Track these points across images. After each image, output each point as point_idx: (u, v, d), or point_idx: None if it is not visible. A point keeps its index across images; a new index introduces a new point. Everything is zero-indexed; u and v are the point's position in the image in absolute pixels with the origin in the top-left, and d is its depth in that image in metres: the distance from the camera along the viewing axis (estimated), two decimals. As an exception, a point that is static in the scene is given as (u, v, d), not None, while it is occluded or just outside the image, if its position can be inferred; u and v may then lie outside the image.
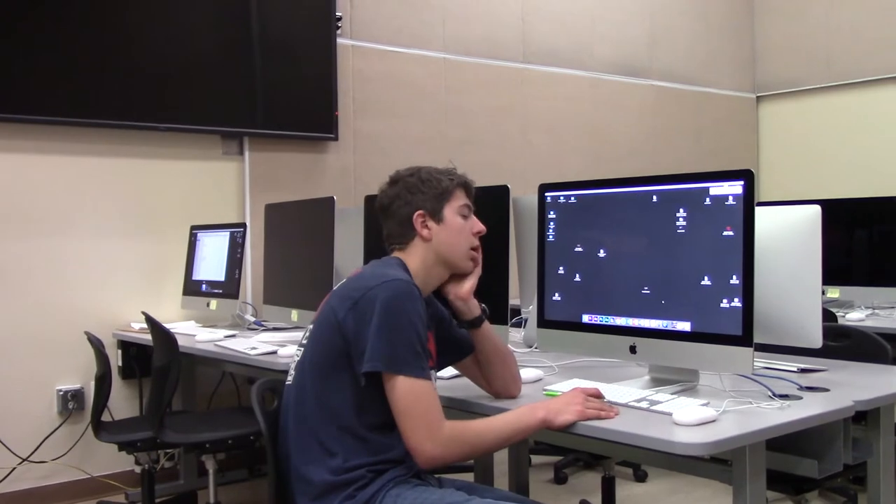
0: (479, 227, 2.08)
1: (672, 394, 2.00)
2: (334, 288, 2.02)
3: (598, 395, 1.92)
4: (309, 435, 1.90)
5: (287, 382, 2.01)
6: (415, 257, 2.03)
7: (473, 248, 2.07)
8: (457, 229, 2.04)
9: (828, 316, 3.03)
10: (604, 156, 5.90)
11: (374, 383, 1.85)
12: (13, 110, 3.83)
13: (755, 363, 1.97)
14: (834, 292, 3.93)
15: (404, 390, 1.81)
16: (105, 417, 3.98)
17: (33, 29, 3.84)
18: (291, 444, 1.94)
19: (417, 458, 1.83)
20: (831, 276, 3.73)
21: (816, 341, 2.12)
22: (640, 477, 4.13)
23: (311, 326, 2.01)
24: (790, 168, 6.64)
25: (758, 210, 1.97)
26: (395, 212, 2.04)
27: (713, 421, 1.76)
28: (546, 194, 2.38)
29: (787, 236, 2.11)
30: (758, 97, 6.90)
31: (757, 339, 1.95)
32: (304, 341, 2.00)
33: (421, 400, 1.81)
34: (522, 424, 1.87)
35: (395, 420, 1.84)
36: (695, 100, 6.49)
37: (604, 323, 2.22)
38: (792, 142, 6.69)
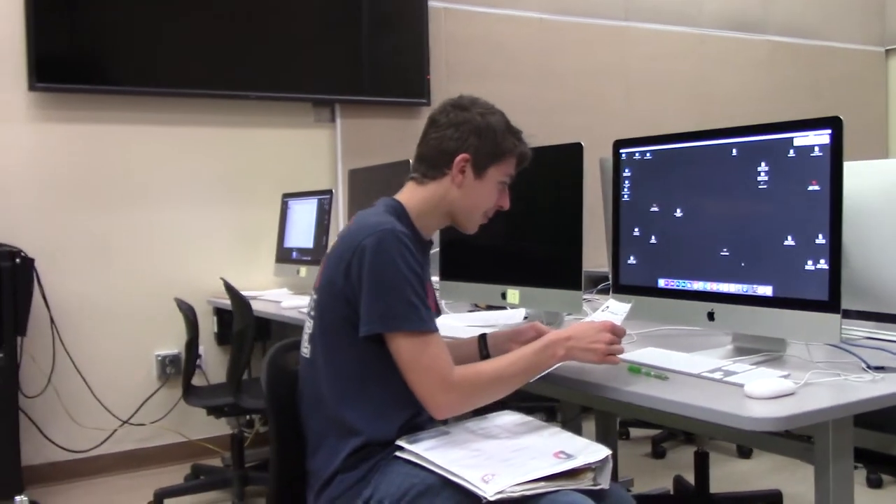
0: (507, 203, 1.95)
1: (752, 364, 1.84)
2: (328, 250, 1.86)
3: (621, 334, 1.78)
4: (323, 415, 1.77)
5: (304, 355, 1.85)
6: (425, 195, 1.88)
7: (484, 219, 1.94)
8: (487, 193, 1.90)
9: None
10: (712, 118, 5.59)
11: (378, 347, 1.70)
12: (108, 82, 3.91)
13: (854, 332, 1.78)
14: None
15: (406, 345, 1.67)
16: (202, 382, 4.08)
17: (129, 2, 3.90)
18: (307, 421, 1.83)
19: (431, 409, 1.70)
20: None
21: (919, 308, 1.91)
22: (745, 453, 3.92)
23: (314, 294, 1.85)
24: (922, 126, 6.16)
25: (848, 165, 1.77)
26: (441, 139, 1.87)
27: (791, 394, 1.60)
28: (621, 151, 2.23)
29: (884, 192, 1.90)
30: (887, 50, 6.40)
31: (850, 305, 1.77)
32: (312, 312, 1.83)
33: (425, 350, 1.67)
34: (541, 364, 1.74)
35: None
36: (815, 55, 6.07)
37: (680, 287, 2.07)
38: (924, 98, 6.20)
